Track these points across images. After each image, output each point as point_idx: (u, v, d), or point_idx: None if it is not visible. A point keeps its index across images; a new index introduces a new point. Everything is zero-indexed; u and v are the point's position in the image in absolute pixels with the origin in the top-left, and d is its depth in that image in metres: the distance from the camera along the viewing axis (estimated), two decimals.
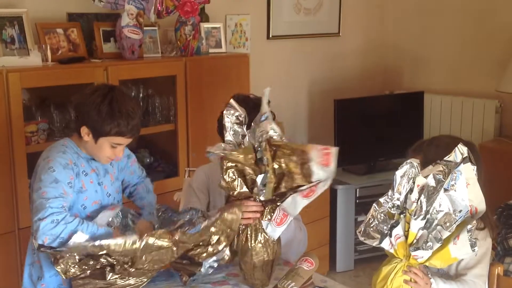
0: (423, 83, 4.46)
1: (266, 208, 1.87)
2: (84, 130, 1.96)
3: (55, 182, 1.89)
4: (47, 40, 2.81)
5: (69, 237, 1.82)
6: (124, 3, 2.93)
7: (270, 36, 3.99)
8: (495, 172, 3.35)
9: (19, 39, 2.66)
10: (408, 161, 1.60)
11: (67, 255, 1.78)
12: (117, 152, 2.00)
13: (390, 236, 1.61)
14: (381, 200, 1.64)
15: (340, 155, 4.40)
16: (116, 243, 1.77)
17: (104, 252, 1.78)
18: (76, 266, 1.79)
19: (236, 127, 1.87)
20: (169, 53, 3.24)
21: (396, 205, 1.62)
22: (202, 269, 1.95)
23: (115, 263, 1.81)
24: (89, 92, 1.96)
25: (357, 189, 3.88)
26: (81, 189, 1.98)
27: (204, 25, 3.43)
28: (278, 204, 1.84)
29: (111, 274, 1.83)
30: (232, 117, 1.87)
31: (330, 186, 3.79)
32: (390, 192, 1.63)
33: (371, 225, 1.63)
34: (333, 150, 1.77)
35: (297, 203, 1.80)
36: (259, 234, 1.89)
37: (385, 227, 1.62)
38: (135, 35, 2.97)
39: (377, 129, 4.10)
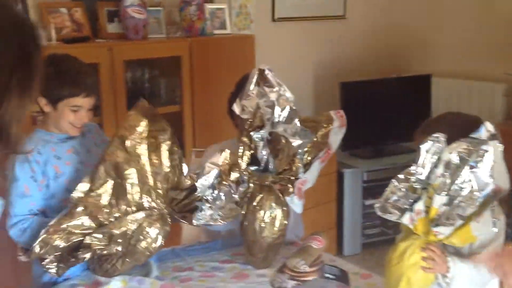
0: (431, 66, 4.40)
1: (285, 184, 1.85)
2: (41, 102, 1.90)
3: (16, 181, 1.85)
4: (51, 19, 2.76)
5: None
6: None
7: (275, 18, 3.93)
8: (504, 156, 3.31)
9: None
10: (434, 135, 1.57)
11: (46, 256, 1.70)
12: (79, 117, 1.92)
13: (411, 211, 1.58)
14: (401, 175, 1.60)
15: (347, 139, 4.38)
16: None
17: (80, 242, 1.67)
18: (62, 264, 1.72)
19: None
20: (174, 34, 3.20)
21: (419, 179, 1.59)
22: (200, 194, 1.80)
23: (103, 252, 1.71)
24: None
25: (364, 173, 3.84)
26: (56, 174, 1.92)
27: (209, 6, 3.38)
28: (299, 176, 1.83)
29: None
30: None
31: (336, 170, 3.80)
32: (413, 167, 1.59)
33: (390, 201, 1.60)
34: (343, 113, 2.01)
35: (316, 169, 1.82)
36: (268, 213, 1.87)
37: (406, 202, 1.58)
38: (139, 15, 2.93)
39: (384, 112, 4.05)
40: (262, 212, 1.86)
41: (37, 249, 1.65)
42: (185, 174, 1.81)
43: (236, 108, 1.84)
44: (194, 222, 1.80)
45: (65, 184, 1.94)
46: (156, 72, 3.12)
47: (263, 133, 1.79)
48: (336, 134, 1.93)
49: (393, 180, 1.60)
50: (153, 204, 1.73)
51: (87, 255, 1.69)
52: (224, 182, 1.77)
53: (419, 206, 1.56)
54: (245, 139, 1.82)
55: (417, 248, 1.61)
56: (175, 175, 1.79)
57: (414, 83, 4.21)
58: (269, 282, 1.82)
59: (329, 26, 4.25)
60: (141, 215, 1.70)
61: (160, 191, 1.75)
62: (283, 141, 1.76)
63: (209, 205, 1.76)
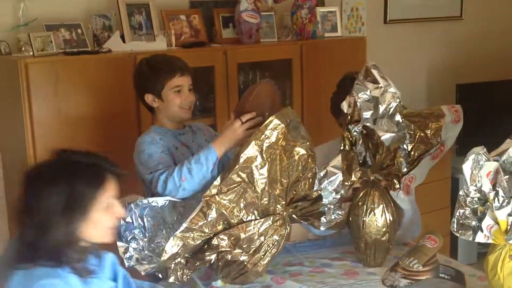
0: None
1: (391, 179, 1.82)
2: (148, 98, 2.08)
3: (150, 157, 1.95)
4: (171, 26, 2.93)
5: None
6: None
7: (388, 20, 3.87)
8: None
9: (146, 25, 2.81)
10: (472, 151, 1.49)
11: (173, 264, 1.68)
12: (184, 97, 2.06)
13: (481, 230, 1.51)
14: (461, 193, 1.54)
15: (462, 143, 4.18)
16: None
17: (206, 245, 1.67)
18: (186, 270, 1.72)
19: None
20: (285, 37, 3.26)
21: (476, 198, 1.52)
22: (325, 200, 1.83)
23: (228, 254, 1.70)
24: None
25: None
26: (175, 162, 2.00)
27: (320, 9, 3.40)
28: (405, 171, 1.79)
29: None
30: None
31: (451, 175, 3.64)
32: (465, 187, 1.52)
33: (466, 214, 1.56)
34: (459, 107, 1.92)
35: (426, 166, 1.77)
36: (370, 208, 1.86)
37: (473, 223, 1.53)
38: (253, 19, 3.02)
39: (503, 116, 3.82)
40: (364, 207, 1.86)
41: (174, 249, 1.64)
42: (315, 188, 1.81)
43: (345, 106, 1.86)
44: (322, 227, 1.85)
45: None
46: (267, 75, 3.20)
47: (360, 127, 1.79)
48: (451, 129, 1.86)
49: (460, 194, 1.53)
50: (278, 210, 1.74)
51: (213, 257, 1.70)
52: (345, 183, 1.79)
53: (487, 221, 1.49)
54: (345, 133, 1.83)
55: (506, 257, 1.53)
56: (305, 187, 1.79)
57: None
58: (381, 280, 1.79)
59: (445, 27, 4.11)
60: (267, 220, 1.70)
61: (286, 198, 1.77)
62: (377, 135, 1.73)
63: (332, 207, 1.81)
